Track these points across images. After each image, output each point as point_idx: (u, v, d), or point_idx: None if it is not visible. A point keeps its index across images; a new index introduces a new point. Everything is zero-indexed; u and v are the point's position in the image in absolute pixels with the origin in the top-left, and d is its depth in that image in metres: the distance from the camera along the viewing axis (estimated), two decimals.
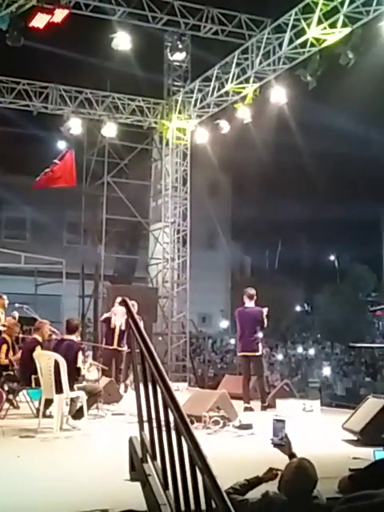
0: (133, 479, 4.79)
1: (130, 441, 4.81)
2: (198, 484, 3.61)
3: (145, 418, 4.50)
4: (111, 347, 11.76)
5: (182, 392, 13.36)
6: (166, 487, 4.12)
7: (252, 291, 10.69)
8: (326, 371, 21.15)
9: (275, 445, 4.29)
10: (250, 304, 10.62)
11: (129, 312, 4.73)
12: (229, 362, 21.36)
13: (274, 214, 25.08)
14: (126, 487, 4.86)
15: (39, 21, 10.03)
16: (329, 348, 26.32)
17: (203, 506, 3.54)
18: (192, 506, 3.71)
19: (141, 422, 4.59)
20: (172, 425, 3.89)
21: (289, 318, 28.51)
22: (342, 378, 20.68)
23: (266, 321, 10.47)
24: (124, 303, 4.79)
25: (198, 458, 3.59)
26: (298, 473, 3.92)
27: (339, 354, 25.30)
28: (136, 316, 4.66)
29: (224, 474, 4.16)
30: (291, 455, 4.24)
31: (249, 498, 4.03)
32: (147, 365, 4.28)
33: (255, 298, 10.66)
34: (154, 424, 4.29)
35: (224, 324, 27.29)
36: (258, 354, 10.38)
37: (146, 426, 4.52)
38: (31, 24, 10.22)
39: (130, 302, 12.11)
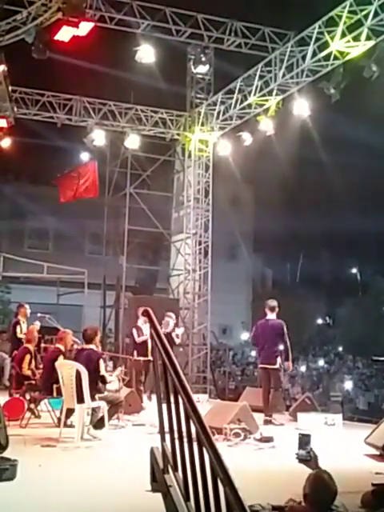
0: (154, 490, 4.79)
1: (152, 451, 4.80)
2: (219, 496, 3.60)
3: (166, 429, 4.50)
4: (144, 358, 11.79)
5: (203, 403, 13.39)
6: (187, 499, 4.11)
7: (273, 303, 10.59)
8: (348, 385, 20.95)
9: (301, 460, 4.28)
10: (271, 316, 10.53)
11: (151, 322, 4.74)
12: (250, 374, 21.25)
13: (296, 227, 24.98)
14: (147, 498, 4.85)
15: (64, 34, 10.13)
16: (351, 361, 26.09)
17: None
18: None
19: (162, 432, 4.59)
20: (194, 436, 3.89)
21: (310, 331, 28.34)
22: (364, 392, 20.47)
23: (286, 334, 10.33)
24: (146, 314, 4.79)
25: (220, 470, 3.57)
26: (317, 484, 3.93)
27: (361, 367, 25.08)
28: (158, 327, 4.68)
29: (245, 487, 4.15)
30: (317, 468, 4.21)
31: None
32: (169, 376, 4.28)
33: (277, 310, 10.56)
34: (176, 435, 4.29)
35: (245, 336, 27.18)
36: (276, 366, 10.25)
37: (167, 436, 4.52)
38: (56, 37, 10.33)
39: (168, 314, 12.18)
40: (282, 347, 10.28)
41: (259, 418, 9.52)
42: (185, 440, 4.08)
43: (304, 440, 4.31)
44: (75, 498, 5.18)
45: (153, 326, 4.69)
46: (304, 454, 4.29)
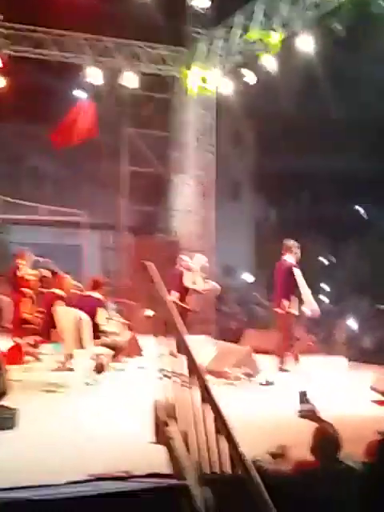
0: (157, 442, 4.75)
1: (154, 404, 4.76)
2: (220, 448, 3.54)
3: (168, 382, 4.44)
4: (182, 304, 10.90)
5: (205, 345, 13.40)
6: (189, 451, 4.07)
7: (288, 243, 9.81)
8: (353, 325, 20.96)
9: (303, 416, 4.21)
10: (287, 257, 9.71)
11: (148, 275, 4.61)
12: (252, 315, 21.27)
13: (300, 166, 24.54)
14: (150, 449, 4.81)
15: None
16: (355, 301, 26.11)
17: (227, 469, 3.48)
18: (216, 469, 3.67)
19: (164, 386, 4.52)
20: (195, 389, 3.83)
21: (314, 270, 28.22)
22: (369, 331, 20.50)
23: (297, 275, 9.42)
24: (143, 267, 4.65)
25: (221, 425, 3.51)
26: (321, 438, 3.93)
27: (366, 306, 25.10)
28: (158, 278, 4.56)
29: (245, 435, 4.08)
30: (320, 422, 4.14)
31: (281, 466, 3.98)
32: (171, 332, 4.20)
33: (294, 250, 9.72)
34: (178, 388, 4.22)
35: (247, 276, 27.16)
36: (286, 310, 9.42)
37: (169, 389, 4.46)
38: None
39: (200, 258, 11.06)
40: (292, 291, 9.44)
41: (260, 359, 9.37)
42: (186, 393, 4.00)
43: (304, 395, 4.23)
44: (76, 447, 5.13)
45: (150, 278, 4.57)
46: (305, 409, 4.22)
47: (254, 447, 4.14)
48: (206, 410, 3.65)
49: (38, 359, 9.69)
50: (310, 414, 4.21)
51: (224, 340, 15.36)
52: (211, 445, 3.65)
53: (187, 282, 11.00)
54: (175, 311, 4.35)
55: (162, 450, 4.49)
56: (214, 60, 15.72)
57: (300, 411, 4.22)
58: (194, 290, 11.20)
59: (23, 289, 10.77)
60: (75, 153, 18.37)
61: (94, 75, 15.49)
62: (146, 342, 11.45)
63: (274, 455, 4.23)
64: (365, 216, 31.52)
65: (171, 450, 4.32)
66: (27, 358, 9.32)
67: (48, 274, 11.41)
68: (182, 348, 4.03)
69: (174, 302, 10.58)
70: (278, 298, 9.66)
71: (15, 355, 9.26)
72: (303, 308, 9.45)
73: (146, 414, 5.16)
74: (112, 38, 15.76)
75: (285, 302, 9.41)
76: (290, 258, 9.69)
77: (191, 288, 11.10)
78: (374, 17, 11.05)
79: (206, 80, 16.41)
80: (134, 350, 10.38)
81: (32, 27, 14.96)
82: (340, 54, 15.91)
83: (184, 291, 10.99)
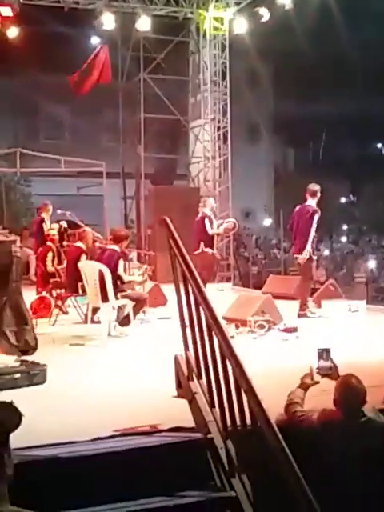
0: (180, 396, 4.88)
1: (176, 359, 4.87)
2: (243, 403, 3.64)
3: (189, 335, 4.52)
4: (212, 251, 11.12)
5: (226, 292, 13.53)
6: (212, 405, 4.19)
7: (314, 187, 9.58)
8: (372, 264, 20.94)
9: (322, 375, 4.28)
10: (310, 201, 9.54)
11: (169, 231, 4.66)
12: (273, 258, 21.34)
13: (318, 106, 24.13)
14: (174, 402, 4.96)
15: None
16: (375, 240, 26.02)
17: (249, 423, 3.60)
18: (238, 423, 3.79)
19: (185, 341, 4.61)
20: (216, 342, 3.90)
21: (334, 210, 28.06)
22: None
23: (315, 221, 9.36)
24: (164, 223, 4.69)
25: (242, 379, 3.60)
26: (345, 389, 3.95)
27: None
28: (176, 235, 4.60)
29: (267, 388, 4.21)
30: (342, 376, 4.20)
31: (309, 411, 4.05)
32: (191, 288, 4.25)
33: (319, 195, 9.54)
34: (199, 344, 4.30)
35: (267, 221, 27.09)
36: (305, 256, 9.38)
37: (190, 342, 4.55)
38: None
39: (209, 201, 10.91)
40: (312, 235, 9.40)
41: (283, 305, 9.46)
42: (208, 349, 4.09)
43: (323, 353, 4.28)
44: (103, 400, 5.31)
45: (171, 235, 4.61)
46: (325, 366, 4.27)
47: (276, 398, 4.28)
48: (227, 363, 3.73)
49: (64, 312, 9.88)
50: (329, 373, 4.27)
51: (246, 286, 15.57)
52: (233, 398, 3.74)
53: (209, 228, 11.10)
54: (192, 266, 4.38)
55: (185, 403, 4.62)
56: None
57: (319, 368, 4.27)
58: (217, 235, 11.39)
59: (48, 242, 10.94)
60: (92, 102, 18.25)
61: (108, 20, 15.22)
62: (171, 290, 11.63)
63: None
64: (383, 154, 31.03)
65: (194, 405, 4.45)
66: (54, 311, 9.49)
67: (69, 227, 11.58)
68: (202, 301, 4.08)
69: (201, 252, 10.81)
70: (299, 243, 9.60)
71: (42, 309, 9.48)
72: (302, 254, 9.38)
73: (170, 367, 5.28)
74: None
75: (308, 247, 9.38)
76: (312, 203, 9.59)
77: (213, 233, 11.23)
78: None
79: (222, 20, 16.07)
80: (158, 299, 10.50)
81: None
82: None
83: (210, 238, 11.12)
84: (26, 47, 14.73)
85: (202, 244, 10.96)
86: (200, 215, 11.30)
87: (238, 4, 15.55)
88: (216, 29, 16.23)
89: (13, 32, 14.35)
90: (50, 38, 17.21)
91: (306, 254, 9.44)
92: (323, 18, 15.83)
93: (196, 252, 10.76)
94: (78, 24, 16.50)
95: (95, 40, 17.07)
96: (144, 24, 15.57)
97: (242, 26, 15.70)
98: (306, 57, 20.79)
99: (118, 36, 17.24)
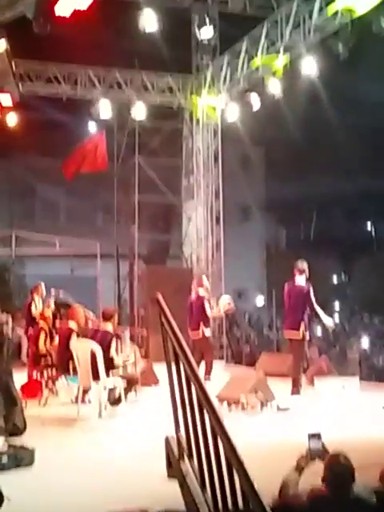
0: (170, 476, 4.82)
1: (166, 440, 4.82)
2: (235, 485, 3.60)
3: (180, 415, 4.50)
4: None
5: (219, 370, 13.43)
6: (203, 486, 4.12)
7: (302, 265, 9.59)
8: (365, 343, 20.93)
9: (313, 456, 4.26)
10: (299, 279, 9.54)
11: (161, 308, 4.70)
12: (265, 338, 21.31)
13: (308, 187, 24.75)
14: (164, 484, 4.89)
15: (65, 8, 9.83)
16: (367, 319, 26.07)
17: (241, 506, 3.55)
18: (230, 506, 3.73)
19: (176, 421, 4.59)
20: (208, 425, 3.89)
21: (326, 289, 28.26)
22: (382, 349, 20.44)
23: (312, 298, 9.35)
24: (157, 302, 4.74)
25: (234, 460, 3.57)
26: (333, 468, 3.92)
27: (378, 324, 25.03)
28: (168, 313, 4.65)
29: (259, 468, 4.16)
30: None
31: (300, 493, 4.01)
32: (183, 366, 4.26)
33: (306, 272, 9.55)
34: (190, 421, 4.28)
35: (260, 300, 27.20)
36: (297, 337, 9.34)
37: (181, 423, 4.52)
38: (57, 13, 10.03)
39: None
40: (307, 314, 9.41)
41: (274, 383, 9.40)
42: (199, 429, 4.07)
43: (314, 437, 4.28)
44: (93, 482, 5.23)
45: (163, 312, 4.66)
46: (316, 449, 4.26)
47: (269, 480, 4.22)
48: (218, 443, 3.71)
49: (54, 393, 9.78)
50: (320, 455, 4.25)
51: (238, 363, 15.48)
52: (224, 479, 3.69)
53: (209, 312, 10.98)
54: (185, 344, 4.40)
55: (176, 485, 4.56)
56: (220, 87, 15.95)
57: (310, 450, 4.26)
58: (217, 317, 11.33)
59: (40, 321, 10.93)
60: (87, 184, 18.68)
61: (104, 108, 15.78)
62: (163, 369, 11.55)
63: None
64: (373, 233, 31.58)
65: (185, 486, 4.38)
66: (44, 392, 9.40)
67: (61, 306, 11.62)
68: (193, 380, 4.08)
69: (203, 337, 10.75)
70: (291, 322, 9.55)
71: (33, 390, 9.38)
72: (326, 323, 9.62)
73: (161, 447, 5.22)
74: (120, 69, 16.09)
75: (302, 325, 9.34)
76: (302, 280, 9.58)
77: (213, 315, 11.24)
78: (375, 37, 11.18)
79: (214, 107, 16.65)
80: (150, 378, 10.44)
81: (42, 63, 15.32)
82: (343, 75, 16.06)
83: (208, 319, 11.04)
84: (24, 133, 15.15)
85: (201, 325, 10.79)
86: (194, 295, 11.13)
87: (229, 92, 16.09)
88: (209, 115, 16.79)
89: (12, 118, 14.77)
90: (48, 124, 17.77)
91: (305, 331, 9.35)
92: (312, 104, 16.42)
93: (197, 336, 10.69)
94: (75, 111, 17.06)
95: (92, 125, 17.61)
96: (139, 111, 16.14)
97: (233, 112, 16.22)
98: (296, 140, 21.45)
99: (114, 123, 17.82)
